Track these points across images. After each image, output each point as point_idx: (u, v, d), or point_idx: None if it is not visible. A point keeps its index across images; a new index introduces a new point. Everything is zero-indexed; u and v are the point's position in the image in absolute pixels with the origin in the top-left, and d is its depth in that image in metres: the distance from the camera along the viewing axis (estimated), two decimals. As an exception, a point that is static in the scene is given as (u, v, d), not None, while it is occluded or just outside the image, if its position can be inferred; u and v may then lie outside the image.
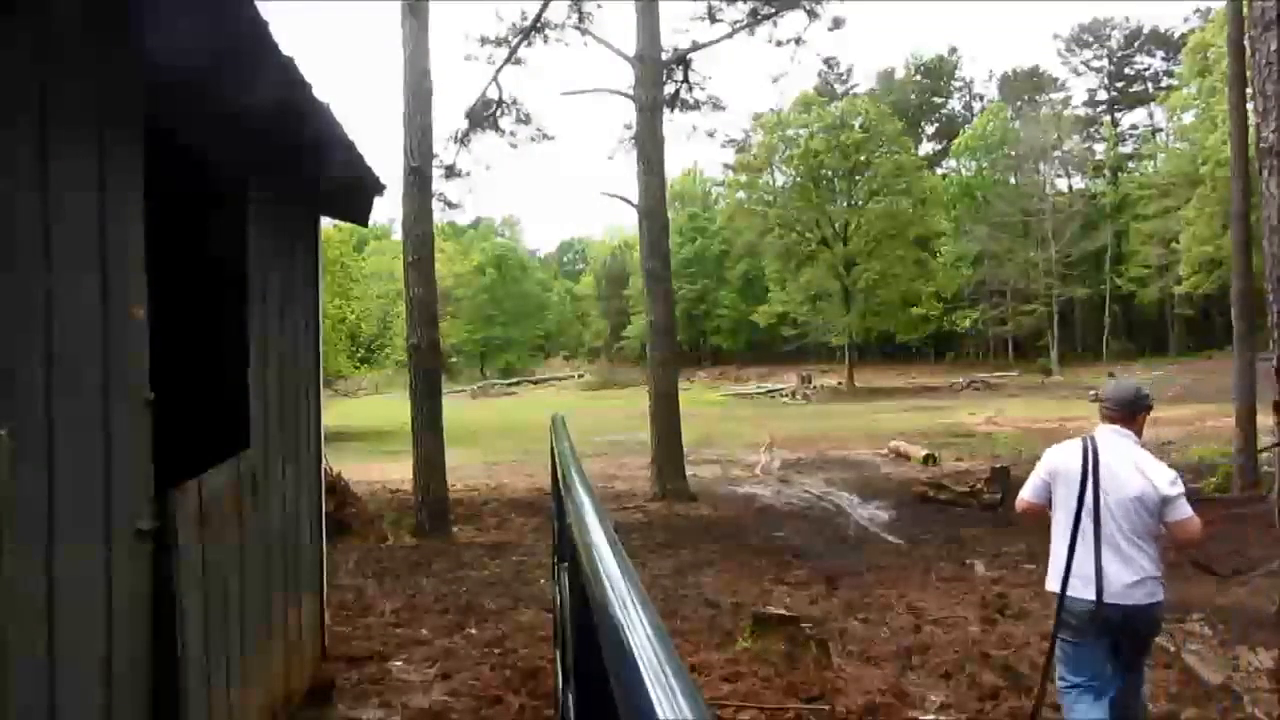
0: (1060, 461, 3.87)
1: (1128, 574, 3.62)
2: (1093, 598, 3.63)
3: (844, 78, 68.08)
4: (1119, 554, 3.63)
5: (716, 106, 17.43)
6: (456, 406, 35.73)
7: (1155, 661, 5.54)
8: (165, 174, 3.22)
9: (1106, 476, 3.69)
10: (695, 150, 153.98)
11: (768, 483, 15.57)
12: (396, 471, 16.23)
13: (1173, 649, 5.80)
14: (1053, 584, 3.82)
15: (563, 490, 2.16)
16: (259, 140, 3.89)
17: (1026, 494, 4.02)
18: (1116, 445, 3.79)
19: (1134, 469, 3.69)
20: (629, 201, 14.21)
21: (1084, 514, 3.70)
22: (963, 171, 62.78)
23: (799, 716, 4.74)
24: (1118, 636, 3.71)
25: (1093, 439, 3.83)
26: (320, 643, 5.14)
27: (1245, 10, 7.41)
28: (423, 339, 10.79)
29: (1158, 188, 52.68)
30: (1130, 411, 3.86)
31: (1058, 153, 57.57)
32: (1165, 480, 3.65)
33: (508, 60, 15.95)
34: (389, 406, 36.91)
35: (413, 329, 10.92)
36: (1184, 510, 3.63)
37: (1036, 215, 55.43)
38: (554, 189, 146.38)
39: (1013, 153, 58.98)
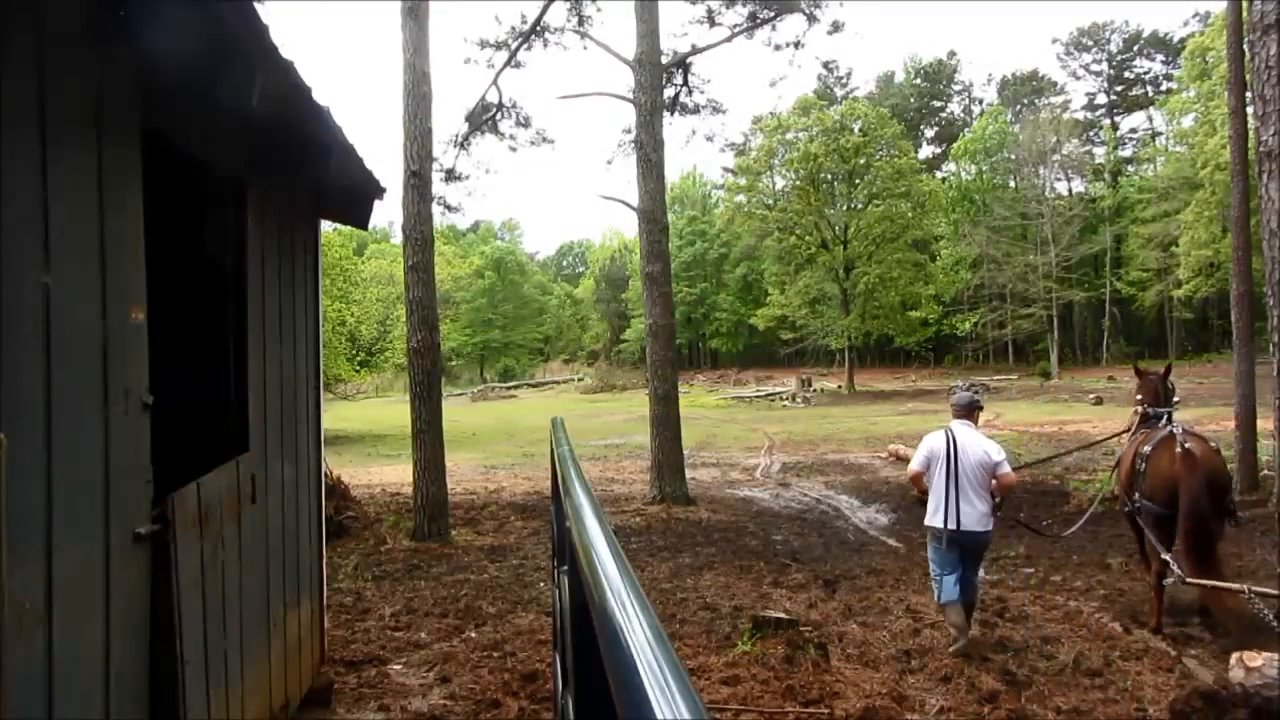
0: (934, 444, 6.03)
1: (973, 512, 5.81)
2: (951, 526, 5.82)
3: (843, 81, 68.35)
4: (969, 500, 5.81)
5: (716, 110, 17.47)
6: (456, 409, 35.78)
7: (1155, 665, 5.57)
8: (165, 176, 3.22)
9: (961, 452, 5.87)
10: (695, 153, 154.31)
11: (767, 486, 15.57)
12: (395, 474, 16.24)
13: (1173, 653, 5.80)
14: (931, 520, 5.99)
15: (562, 493, 2.16)
16: (259, 143, 3.89)
17: (915, 466, 6.17)
18: (965, 432, 6.02)
19: (976, 445, 5.93)
20: (628, 205, 14.23)
21: (950, 476, 5.82)
22: (962, 175, 62.87)
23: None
24: (964, 548, 5.93)
25: (951, 429, 6.03)
26: (319, 646, 5.13)
27: (1245, 14, 7.42)
28: (422, 342, 10.79)
29: (1157, 191, 52.77)
30: (968, 411, 6.16)
31: (1057, 156, 57.64)
32: (994, 450, 5.91)
33: (507, 64, 15.98)
34: (388, 409, 36.92)
35: (412, 332, 10.92)
36: (1006, 468, 5.92)
37: (1035, 219, 55.51)
38: (553, 192, 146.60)
39: (1012, 156, 59.08)
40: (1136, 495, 6.41)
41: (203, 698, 3.06)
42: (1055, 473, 15.83)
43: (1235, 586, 5.64)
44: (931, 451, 6.00)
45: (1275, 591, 5.45)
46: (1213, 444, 6.53)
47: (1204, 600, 6.07)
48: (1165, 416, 6.82)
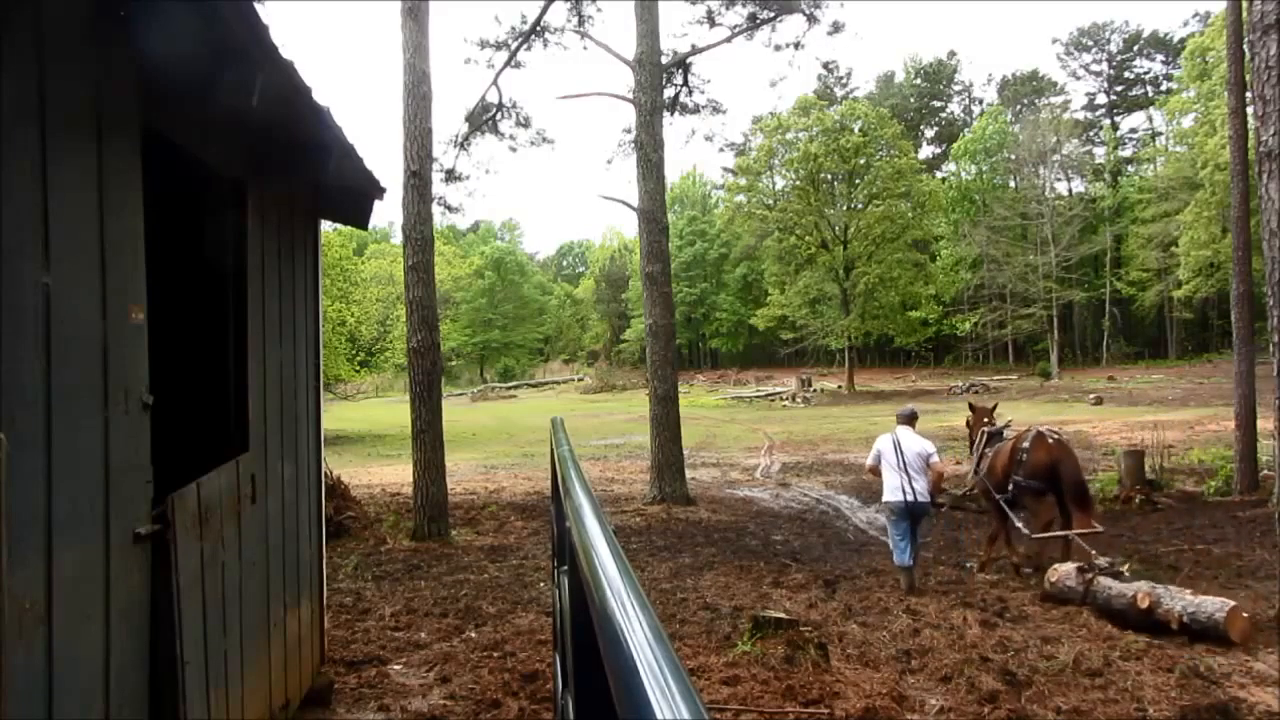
0: (883, 445, 8.00)
1: (916, 489, 7.74)
2: (902, 499, 7.75)
3: (843, 81, 68.28)
4: (913, 481, 7.75)
5: (716, 110, 17.48)
6: (456, 410, 35.78)
7: (1155, 665, 5.57)
8: (165, 177, 3.22)
9: (905, 448, 7.83)
10: (695, 153, 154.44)
11: (767, 486, 15.57)
12: (395, 474, 16.25)
13: (1172, 652, 5.81)
14: (890, 497, 7.85)
15: (562, 493, 2.16)
16: (259, 143, 3.89)
17: (870, 462, 8.13)
18: (906, 434, 7.97)
19: (915, 443, 7.88)
20: (628, 205, 14.23)
21: (898, 465, 7.79)
22: (962, 175, 62.84)
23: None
24: (911, 516, 7.80)
25: (896, 433, 7.99)
26: (319, 646, 5.13)
27: (1245, 14, 7.42)
28: (422, 342, 10.79)
29: (1157, 191, 52.77)
30: (909, 420, 8.16)
31: (1057, 156, 57.63)
32: (929, 448, 7.88)
33: (507, 64, 15.99)
34: (388, 409, 36.94)
35: (412, 332, 10.92)
36: (936, 459, 7.90)
37: (1035, 219, 55.50)
38: (553, 192, 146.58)
39: (1012, 156, 59.05)
40: (1014, 480, 8.38)
41: (203, 698, 3.05)
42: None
43: (1064, 533, 7.97)
44: (881, 450, 7.98)
45: (1096, 529, 7.89)
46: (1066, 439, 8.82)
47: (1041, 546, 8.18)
48: (1003, 431, 9.30)
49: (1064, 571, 7.24)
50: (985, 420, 9.62)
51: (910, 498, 7.75)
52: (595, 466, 18.37)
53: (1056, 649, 5.94)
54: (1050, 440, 8.28)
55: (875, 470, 8.08)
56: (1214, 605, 6.06)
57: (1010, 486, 8.46)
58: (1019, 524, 8.31)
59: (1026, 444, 8.39)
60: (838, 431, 25.77)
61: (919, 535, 7.99)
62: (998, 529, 8.70)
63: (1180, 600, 6.22)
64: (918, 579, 7.90)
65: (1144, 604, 6.36)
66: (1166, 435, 17.34)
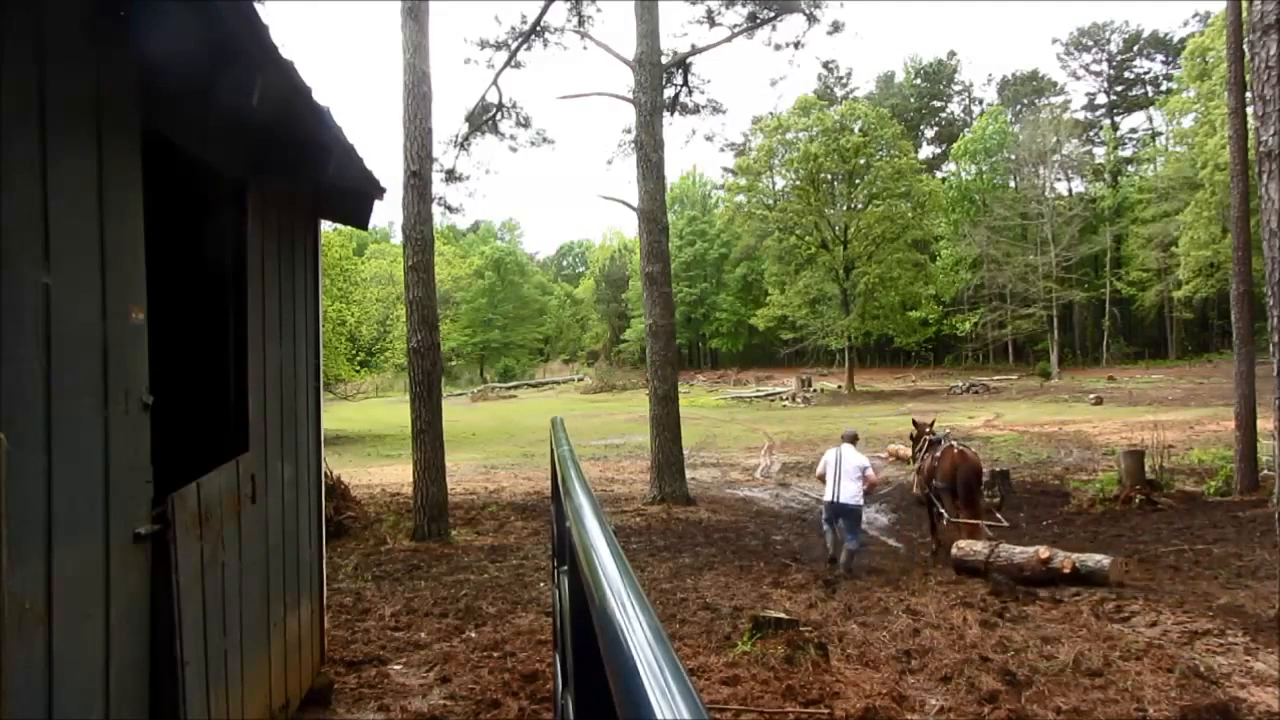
0: (828, 457, 9.29)
1: (849, 492, 8.94)
2: (832, 501, 9.03)
3: (843, 81, 68.34)
4: (846, 486, 8.94)
5: (716, 110, 17.49)
6: (456, 410, 35.79)
7: (1155, 665, 5.57)
8: (165, 177, 3.22)
9: (844, 459, 9.07)
10: (695, 153, 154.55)
11: (766, 486, 15.57)
12: (395, 474, 16.25)
13: (1172, 652, 5.81)
14: (825, 497, 9.23)
15: (562, 493, 2.16)
16: (259, 143, 3.89)
17: (819, 471, 9.48)
18: (846, 449, 9.22)
19: (853, 456, 9.14)
20: (628, 205, 14.23)
21: (834, 475, 8.99)
22: (962, 175, 62.82)
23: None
24: (841, 515, 9.06)
25: (839, 448, 9.27)
26: (319, 646, 5.13)
27: (1245, 14, 7.42)
28: (422, 342, 10.79)
29: (1157, 191, 52.76)
30: (851, 440, 9.46)
31: (1057, 156, 57.61)
32: (864, 461, 9.22)
33: (507, 64, 15.99)
34: (388, 409, 36.94)
35: (412, 332, 10.92)
36: (870, 471, 9.26)
37: (1036, 219, 55.48)
38: (553, 192, 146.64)
39: (1012, 156, 59.03)
40: (934, 482, 9.98)
41: (202, 698, 3.05)
42: (1055, 473, 15.84)
43: (980, 522, 9.53)
44: (826, 461, 9.33)
45: (1002, 523, 10.01)
46: (973, 449, 10.64)
47: (966, 534, 9.24)
48: (943, 438, 10.61)
49: (967, 545, 8.63)
50: (926, 431, 11.22)
51: (837, 499, 9.09)
52: (595, 466, 18.37)
53: (1056, 649, 5.94)
54: (955, 451, 9.98)
55: (821, 478, 9.42)
56: (1098, 557, 7.95)
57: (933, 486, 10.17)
58: (942, 511, 9.84)
59: (939, 453, 10.08)
60: (837, 432, 25.66)
61: (858, 531, 9.27)
62: (935, 516, 10.39)
63: (1071, 555, 8.00)
64: (860, 575, 8.88)
65: (1044, 555, 8.03)
66: (1166, 435, 17.33)
